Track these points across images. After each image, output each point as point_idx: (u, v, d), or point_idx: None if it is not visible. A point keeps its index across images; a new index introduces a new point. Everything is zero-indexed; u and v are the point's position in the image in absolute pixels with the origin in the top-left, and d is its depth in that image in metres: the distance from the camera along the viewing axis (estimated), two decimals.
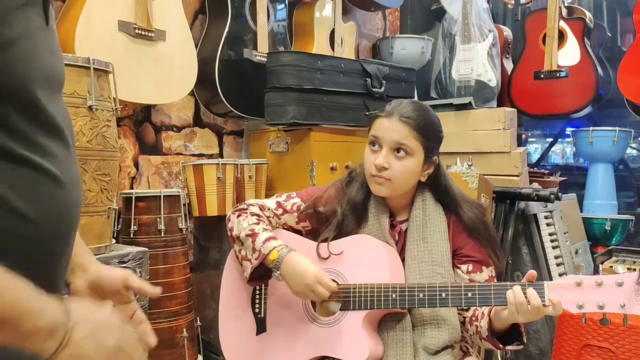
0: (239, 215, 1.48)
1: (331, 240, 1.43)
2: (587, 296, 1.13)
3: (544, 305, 1.15)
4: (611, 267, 2.47)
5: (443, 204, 1.47)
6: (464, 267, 1.43)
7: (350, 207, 1.46)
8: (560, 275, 2.59)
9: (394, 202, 1.48)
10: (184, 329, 1.97)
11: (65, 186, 0.70)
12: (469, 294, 1.25)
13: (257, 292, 1.50)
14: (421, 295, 1.29)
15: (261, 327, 1.47)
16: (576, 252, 2.80)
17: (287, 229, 1.55)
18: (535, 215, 2.58)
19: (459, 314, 1.42)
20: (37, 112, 0.66)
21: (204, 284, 2.27)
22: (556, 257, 2.61)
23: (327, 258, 1.41)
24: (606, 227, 3.01)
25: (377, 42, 3.35)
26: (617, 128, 3.09)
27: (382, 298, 1.32)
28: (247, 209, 1.49)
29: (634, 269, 2.41)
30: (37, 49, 0.65)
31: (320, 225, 1.50)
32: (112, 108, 1.68)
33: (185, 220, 2.02)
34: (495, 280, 1.45)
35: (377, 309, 1.33)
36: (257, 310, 1.49)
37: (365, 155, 1.44)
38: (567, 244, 2.73)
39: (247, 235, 1.42)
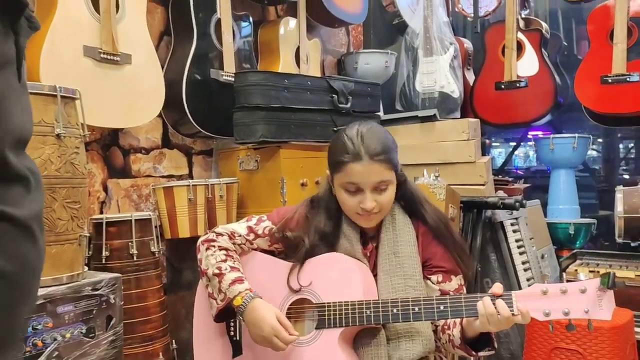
0: (207, 248, 1.48)
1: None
2: (552, 304, 1.18)
3: (513, 314, 1.20)
4: (576, 270, 2.56)
5: (410, 213, 1.50)
6: (433, 277, 1.45)
7: (321, 237, 1.46)
8: (527, 280, 2.67)
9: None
10: (160, 353, 1.96)
11: (33, 234, 0.70)
12: (441, 307, 1.28)
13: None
14: (395, 310, 1.31)
15: (237, 349, 1.47)
16: (542, 257, 2.89)
17: (261, 252, 1.55)
18: (501, 222, 2.65)
19: (431, 323, 1.45)
20: (5, 170, 0.66)
21: (178, 305, 2.26)
22: (523, 263, 2.68)
23: (298, 290, 1.42)
24: (570, 231, 3.11)
25: (341, 58, 3.40)
26: (576, 135, 3.20)
27: (357, 314, 1.33)
28: (215, 241, 1.48)
29: (598, 272, 2.49)
30: (10, 109, 0.65)
31: (290, 247, 1.50)
32: (81, 134, 1.67)
33: (158, 243, 2.01)
34: (465, 288, 1.49)
35: (352, 326, 1.35)
36: (232, 332, 1.49)
37: (344, 199, 1.42)
38: (533, 249, 2.80)
39: (214, 275, 1.42)
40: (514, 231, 2.71)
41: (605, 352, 2.06)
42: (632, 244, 2.70)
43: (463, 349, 1.36)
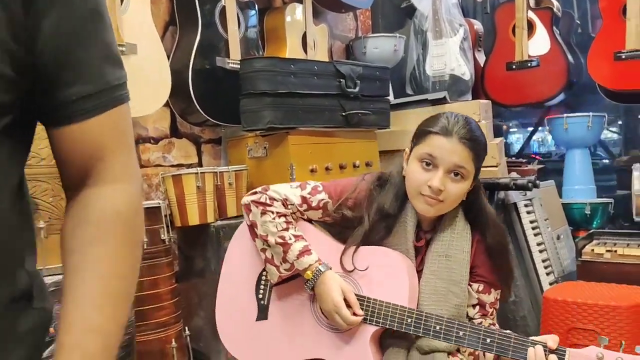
0: (263, 213, 1.39)
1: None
2: None
3: None
4: (593, 250, 2.52)
5: (471, 222, 1.44)
6: (475, 285, 1.42)
7: (381, 218, 1.40)
8: (543, 261, 2.63)
9: (424, 215, 1.43)
10: (173, 339, 1.98)
11: None
12: (488, 340, 1.23)
13: (264, 277, 1.46)
14: (437, 327, 1.27)
15: (262, 314, 1.44)
16: (558, 238, 2.85)
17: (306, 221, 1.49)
18: (515, 204, 2.62)
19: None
20: None
21: (190, 293, 2.27)
22: (538, 244, 2.65)
23: (351, 271, 1.37)
24: (586, 212, 3.06)
25: (349, 43, 3.38)
26: (590, 113, 3.14)
27: (397, 319, 1.30)
28: (271, 206, 1.39)
29: (615, 251, 2.45)
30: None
31: (342, 225, 1.45)
32: None
33: (168, 231, 2.02)
34: (498, 304, 1.46)
35: (389, 328, 1.32)
36: (260, 295, 1.45)
37: (414, 173, 1.36)
38: (548, 230, 2.77)
39: (277, 243, 1.36)
40: (528, 212, 2.67)
41: (623, 332, 2.03)
42: None
43: None
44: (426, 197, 1.34)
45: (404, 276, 1.34)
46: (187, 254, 2.29)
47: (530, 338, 1.21)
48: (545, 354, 1.17)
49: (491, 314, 1.44)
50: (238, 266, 1.51)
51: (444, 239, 1.41)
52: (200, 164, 2.51)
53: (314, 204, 1.44)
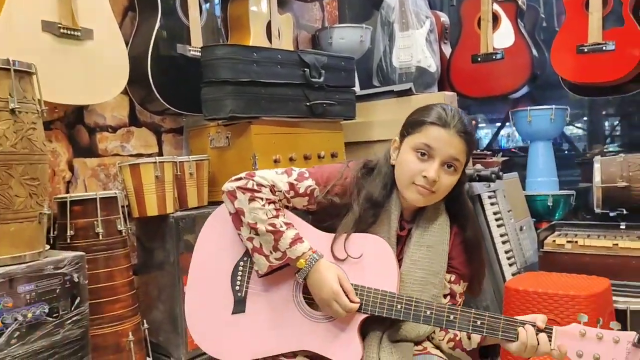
0: (251, 199, 1.33)
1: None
2: (586, 346, 1.21)
3: (551, 349, 1.20)
4: (554, 241, 2.54)
5: (451, 215, 1.45)
6: (448, 275, 1.43)
7: (370, 206, 1.38)
8: (506, 252, 2.66)
9: (407, 203, 1.42)
10: (130, 333, 1.93)
11: None
12: (478, 322, 1.24)
13: (240, 269, 1.41)
14: (428, 312, 1.26)
15: (239, 306, 1.38)
16: (521, 229, 2.88)
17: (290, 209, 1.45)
18: (479, 195, 2.63)
19: None
20: None
21: (150, 286, 2.22)
22: (502, 235, 2.67)
23: (344, 260, 1.35)
24: (548, 203, 3.10)
25: (316, 33, 3.35)
26: (553, 106, 3.18)
27: (386, 306, 1.28)
28: (259, 192, 1.34)
29: (576, 242, 2.49)
30: None
31: (326, 213, 1.42)
32: (38, 110, 1.62)
33: (125, 222, 1.97)
34: (464, 297, 1.47)
35: (378, 315, 1.30)
36: (237, 287, 1.40)
37: (407, 161, 1.35)
38: (511, 221, 2.79)
39: (268, 231, 1.31)
40: (492, 204, 2.69)
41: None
42: (611, 214, 2.70)
43: (473, 356, 1.34)
44: (419, 187, 1.33)
45: (393, 263, 1.33)
46: (146, 246, 2.24)
47: (519, 318, 1.23)
48: (536, 334, 1.21)
49: (460, 305, 1.45)
50: (212, 256, 1.44)
51: (426, 229, 1.41)
52: (160, 154, 2.45)
53: (301, 191, 1.40)
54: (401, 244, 1.42)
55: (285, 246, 1.30)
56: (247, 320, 1.38)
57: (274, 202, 1.36)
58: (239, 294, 1.39)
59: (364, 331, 1.35)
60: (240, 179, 1.38)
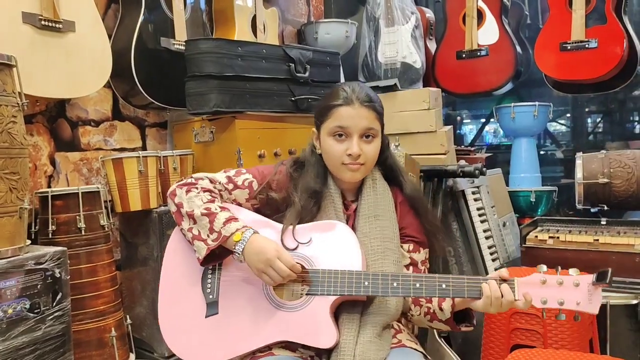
0: (188, 191, 1.42)
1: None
2: (550, 293, 1.25)
3: (515, 299, 1.23)
4: (536, 236, 2.57)
5: (389, 181, 1.52)
6: (405, 245, 1.48)
7: (309, 196, 1.44)
8: (489, 247, 2.68)
9: (345, 184, 1.49)
10: (112, 328, 1.91)
11: None
12: (443, 285, 1.28)
13: (209, 273, 1.43)
14: (395, 284, 1.29)
15: (212, 309, 1.39)
16: (504, 225, 2.90)
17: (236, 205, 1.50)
18: (463, 191, 2.64)
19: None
20: None
21: (133, 282, 2.21)
22: (485, 231, 2.69)
23: (295, 249, 1.38)
24: (531, 199, 3.13)
25: (301, 28, 3.34)
26: (536, 103, 3.20)
27: (354, 285, 1.31)
28: (196, 184, 1.43)
29: (557, 237, 2.51)
30: None
31: (268, 208, 1.47)
32: (18, 103, 1.59)
33: (108, 217, 1.95)
34: (428, 263, 1.51)
35: (347, 295, 1.32)
36: (208, 290, 1.41)
37: (330, 146, 1.42)
38: (494, 217, 2.81)
39: (202, 214, 1.36)
40: (475, 200, 2.70)
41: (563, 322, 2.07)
42: (592, 210, 2.72)
43: (450, 324, 1.36)
44: (349, 165, 1.41)
45: (354, 242, 1.36)
46: (129, 241, 2.22)
47: (482, 277, 1.28)
48: (499, 284, 1.25)
49: (424, 272, 1.50)
50: (180, 264, 1.45)
51: (369, 201, 1.46)
52: (144, 148, 2.43)
53: (239, 183, 1.48)
54: (351, 222, 1.47)
55: (220, 226, 1.35)
56: (222, 321, 1.39)
57: (210, 191, 1.44)
58: (211, 297, 1.41)
59: (340, 316, 1.36)
60: (181, 180, 1.49)
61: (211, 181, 1.46)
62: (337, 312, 1.37)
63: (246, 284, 1.39)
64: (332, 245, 1.37)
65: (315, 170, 1.48)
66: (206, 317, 1.40)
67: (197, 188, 1.42)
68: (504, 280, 1.26)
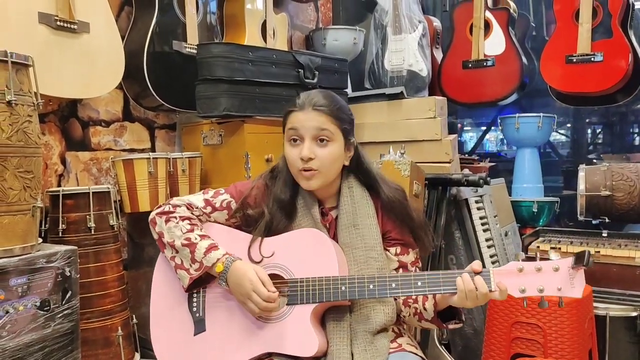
0: (167, 221, 1.43)
1: (267, 238, 1.43)
2: (528, 281, 1.21)
3: (491, 291, 1.22)
4: (538, 247, 2.59)
5: (368, 187, 1.51)
6: (392, 249, 1.48)
7: (278, 207, 1.45)
8: (491, 256, 2.69)
9: (321, 192, 1.49)
10: (119, 328, 1.93)
11: None
12: (419, 283, 1.28)
13: (194, 291, 1.46)
14: (371, 286, 1.30)
15: (200, 327, 1.43)
16: (506, 234, 2.92)
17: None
18: (466, 200, 2.66)
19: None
20: None
21: (139, 282, 2.23)
22: (487, 240, 2.71)
23: (259, 262, 1.39)
24: (533, 209, 3.15)
25: (310, 34, 3.37)
26: (541, 114, 3.22)
27: (331, 290, 1.32)
28: (174, 213, 1.44)
29: (559, 248, 2.53)
30: None
31: (248, 225, 1.48)
32: (34, 103, 1.62)
33: (117, 217, 1.97)
34: (420, 262, 1.52)
35: (326, 302, 1.33)
36: (195, 309, 1.45)
37: (288, 153, 1.43)
38: (497, 226, 2.83)
39: (183, 245, 1.39)
40: (479, 209, 2.73)
41: (564, 326, 2.09)
42: (594, 222, 2.74)
43: (435, 322, 1.37)
44: (302, 172, 1.41)
45: (329, 248, 1.37)
46: (136, 241, 2.25)
47: (457, 271, 1.27)
48: (472, 278, 1.23)
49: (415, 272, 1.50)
50: (168, 283, 1.48)
51: (347, 210, 1.46)
52: (153, 150, 2.45)
53: (217, 205, 1.49)
54: (332, 231, 1.48)
55: (201, 256, 1.37)
56: (210, 338, 1.42)
57: (188, 219, 1.44)
58: (197, 315, 1.44)
59: (328, 323, 1.38)
60: (159, 206, 1.48)
61: (188, 207, 1.47)
62: (324, 319, 1.39)
63: (230, 300, 1.42)
64: (308, 253, 1.38)
65: (283, 179, 1.48)
66: (194, 335, 1.43)
67: (175, 218, 1.43)
68: (478, 272, 1.24)
